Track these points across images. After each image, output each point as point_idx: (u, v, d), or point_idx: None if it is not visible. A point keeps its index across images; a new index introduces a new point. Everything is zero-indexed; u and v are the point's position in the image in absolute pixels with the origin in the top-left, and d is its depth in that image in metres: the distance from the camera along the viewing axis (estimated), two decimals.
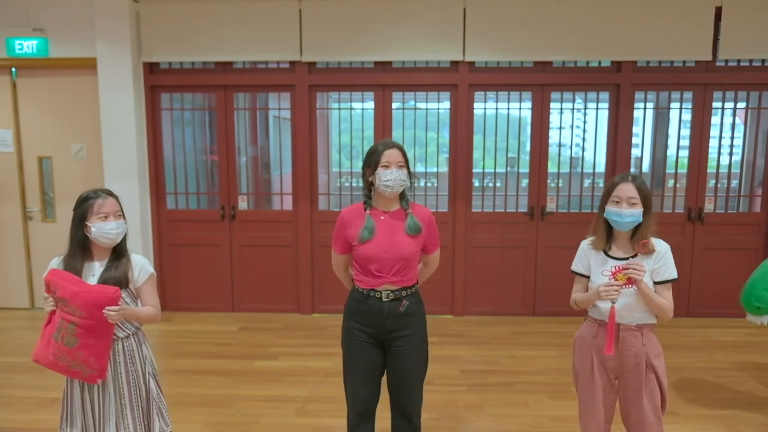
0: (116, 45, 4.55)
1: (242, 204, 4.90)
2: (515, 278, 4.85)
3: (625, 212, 2.04)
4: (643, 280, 2.01)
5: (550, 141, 4.72)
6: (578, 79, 4.64)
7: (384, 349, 2.30)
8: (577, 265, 2.23)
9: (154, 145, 4.83)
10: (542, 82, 4.64)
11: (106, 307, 1.94)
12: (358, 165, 4.85)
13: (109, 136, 4.63)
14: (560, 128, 4.81)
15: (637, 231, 2.09)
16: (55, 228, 4.98)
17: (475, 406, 3.32)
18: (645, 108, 4.72)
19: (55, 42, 4.70)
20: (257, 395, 3.49)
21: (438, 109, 4.77)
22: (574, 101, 4.75)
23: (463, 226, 4.75)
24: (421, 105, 4.78)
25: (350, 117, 4.89)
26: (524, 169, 4.83)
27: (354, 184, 5.01)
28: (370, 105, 4.79)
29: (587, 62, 4.66)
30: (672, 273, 2.09)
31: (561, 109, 4.77)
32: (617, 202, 2.07)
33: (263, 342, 4.35)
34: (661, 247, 2.10)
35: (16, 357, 4.08)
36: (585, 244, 2.23)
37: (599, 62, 4.66)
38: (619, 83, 4.59)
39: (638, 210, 2.04)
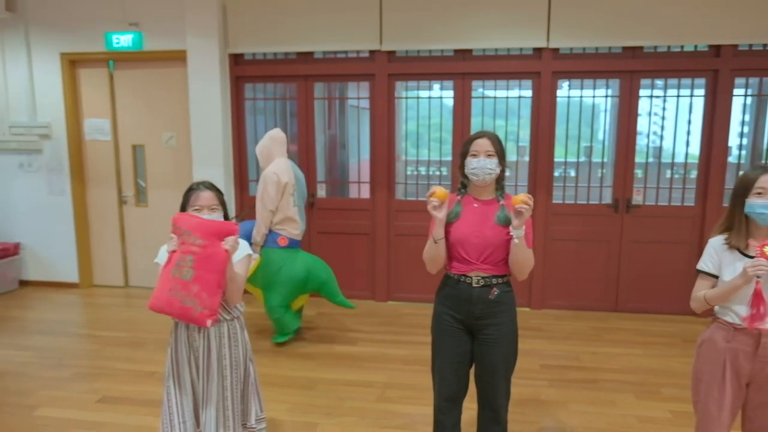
0: (205, 37, 4.74)
1: (321, 192, 5.01)
2: (597, 272, 4.70)
3: None
4: None
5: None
6: (671, 65, 4.39)
7: (473, 337, 2.30)
8: (706, 264, 2.11)
9: (238, 134, 5.01)
10: (631, 68, 4.43)
11: (226, 237, 2.07)
12: (425, 153, 4.85)
13: (197, 125, 4.85)
14: (650, 116, 4.57)
15: None
16: (147, 212, 5.29)
17: (559, 402, 3.26)
18: (746, 95, 4.41)
19: (148, 36, 4.95)
20: (339, 379, 3.58)
21: (519, 97, 4.66)
22: (665, 88, 4.51)
23: (543, 217, 4.64)
24: (490, 93, 4.69)
25: (428, 105, 4.85)
26: (599, 158, 4.65)
27: (422, 173, 5.01)
28: (439, 93, 4.76)
29: (682, 47, 4.40)
30: None
31: (651, 96, 4.54)
32: (760, 194, 1.94)
33: (341, 327, 4.45)
34: None
35: (114, 332, 4.39)
36: (717, 243, 2.10)
37: (695, 46, 4.39)
38: (718, 69, 4.32)
39: None
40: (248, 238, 3.80)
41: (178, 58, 4.90)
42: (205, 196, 2.18)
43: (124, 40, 4.98)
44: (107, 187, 5.32)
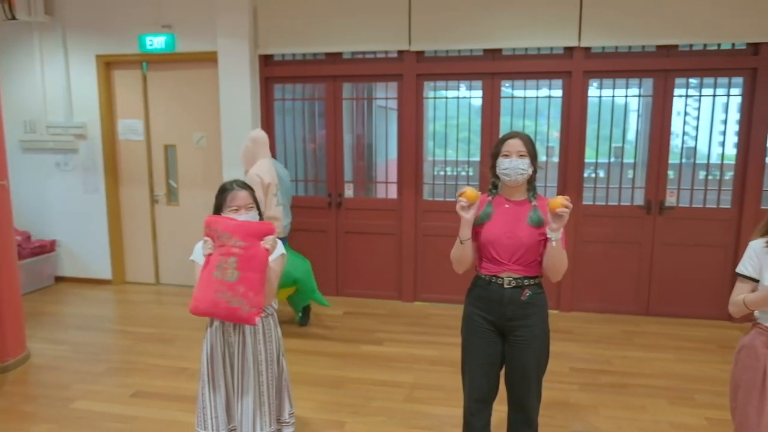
0: (235, 39, 4.80)
1: (348, 192, 5.04)
2: (627, 275, 4.62)
3: None
4: None
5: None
6: (707, 64, 4.29)
7: (503, 338, 2.29)
8: (746, 268, 2.07)
9: (267, 134, 5.04)
10: (666, 67, 4.34)
11: (265, 237, 2.12)
12: (450, 154, 4.83)
13: (227, 125, 4.92)
14: (684, 115, 4.47)
15: None
16: (178, 211, 5.38)
17: (589, 407, 3.22)
18: None
19: (181, 37, 5.04)
20: (365, 378, 3.60)
21: (549, 96, 4.61)
22: (701, 87, 4.41)
23: (573, 218, 4.57)
24: (518, 93, 4.66)
25: (455, 105, 4.83)
26: (629, 159, 4.58)
27: (449, 173, 5.00)
28: (465, 93, 4.75)
29: (718, 45, 4.30)
30: None
31: (686, 96, 4.45)
32: None
33: (368, 327, 4.47)
34: None
35: (146, 328, 4.50)
36: (758, 246, 2.06)
37: (733, 45, 4.28)
38: (756, 67, 4.20)
39: None
40: None
41: (209, 59, 4.97)
42: (242, 196, 2.22)
43: (157, 42, 5.07)
44: (140, 186, 5.44)
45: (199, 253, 2.21)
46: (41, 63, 5.35)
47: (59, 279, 5.66)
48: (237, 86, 4.86)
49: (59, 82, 5.34)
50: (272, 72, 4.98)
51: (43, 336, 4.32)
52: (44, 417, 3.18)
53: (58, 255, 5.62)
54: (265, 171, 3.90)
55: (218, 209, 2.23)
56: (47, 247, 5.50)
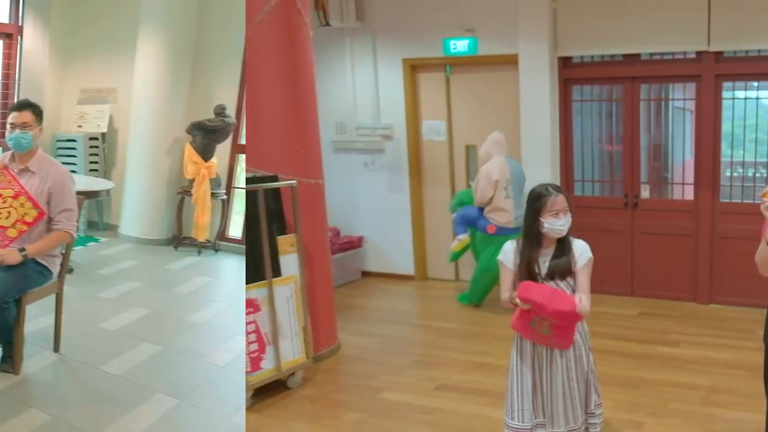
0: (536, 41, 8.74)
1: (644, 193, 8.84)
2: None
3: None
4: None
5: None
6: None
7: None
8: None
9: (565, 135, 9.14)
10: None
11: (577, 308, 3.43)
12: (749, 156, 8.17)
13: (526, 126, 8.96)
14: None
15: None
16: None
17: None
18: None
19: (483, 41, 9.26)
20: (661, 380, 5.56)
21: None
22: None
23: None
24: None
25: (757, 106, 8.28)
26: None
27: (746, 175, 8.34)
28: (756, 93, 8.07)
29: None
30: None
31: None
32: None
33: (662, 328, 7.23)
34: None
35: (447, 323, 7.70)
36: None
37: None
38: None
39: None
40: (468, 221, 8.08)
41: (509, 61, 8.97)
42: (561, 200, 3.61)
43: (460, 46, 9.34)
44: (441, 185, 9.90)
45: (507, 254, 3.75)
46: (352, 67, 10.08)
47: (365, 273, 10.38)
48: (536, 88, 8.83)
49: (368, 85, 10.02)
50: (571, 74, 9.04)
51: (352, 328, 7.15)
52: (355, 406, 5.05)
53: (365, 251, 10.41)
54: (493, 168, 7.66)
55: (536, 214, 3.61)
56: (355, 243, 10.27)
